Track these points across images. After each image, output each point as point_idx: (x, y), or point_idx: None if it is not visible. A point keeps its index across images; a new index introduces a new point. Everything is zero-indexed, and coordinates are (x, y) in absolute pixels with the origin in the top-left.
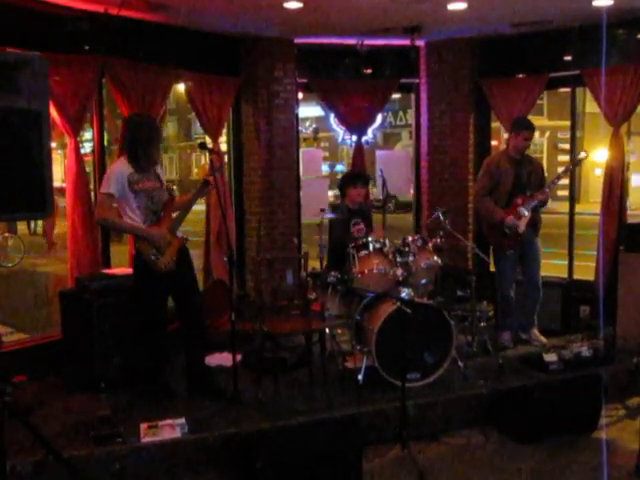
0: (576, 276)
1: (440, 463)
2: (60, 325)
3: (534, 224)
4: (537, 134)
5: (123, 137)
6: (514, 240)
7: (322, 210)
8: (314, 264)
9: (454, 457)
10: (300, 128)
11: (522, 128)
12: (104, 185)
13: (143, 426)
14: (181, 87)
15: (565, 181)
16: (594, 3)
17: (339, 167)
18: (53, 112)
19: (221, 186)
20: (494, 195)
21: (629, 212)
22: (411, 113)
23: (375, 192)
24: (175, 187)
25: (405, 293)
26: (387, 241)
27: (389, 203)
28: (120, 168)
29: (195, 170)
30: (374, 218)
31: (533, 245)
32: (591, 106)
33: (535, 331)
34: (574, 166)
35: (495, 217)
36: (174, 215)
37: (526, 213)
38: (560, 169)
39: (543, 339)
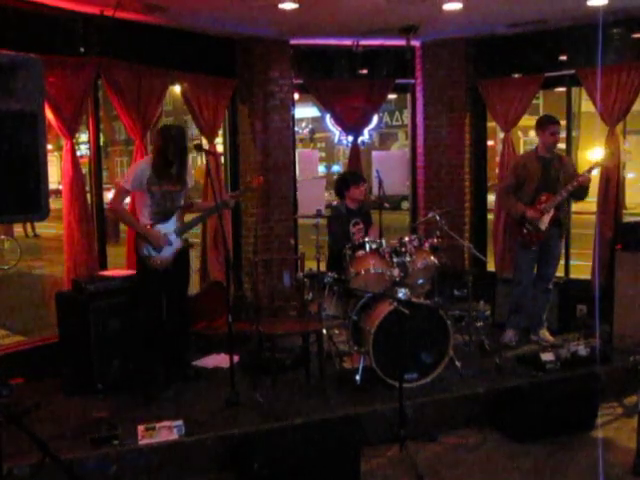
0: (573, 275)
1: (438, 463)
2: (57, 327)
3: (559, 224)
4: (533, 133)
5: (155, 146)
6: (536, 237)
7: (319, 211)
8: (311, 265)
9: (452, 457)
10: (296, 129)
11: (547, 123)
12: (125, 178)
13: (140, 428)
14: (177, 88)
15: None
16: (589, 3)
17: (335, 168)
18: (49, 114)
19: (217, 187)
20: (521, 193)
21: (625, 211)
22: (407, 113)
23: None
24: None
25: (402, 293)
26: (384, 241)
27: (386, 203)
28: (144, 167)
29: (192, 171)
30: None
31: (555, 246)
32: (587, 105)
33: (544, 332)
34: (600, 165)
35: (516, 212)
36: (186, 220)
37: (549, 210)
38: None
39: (551, 338)
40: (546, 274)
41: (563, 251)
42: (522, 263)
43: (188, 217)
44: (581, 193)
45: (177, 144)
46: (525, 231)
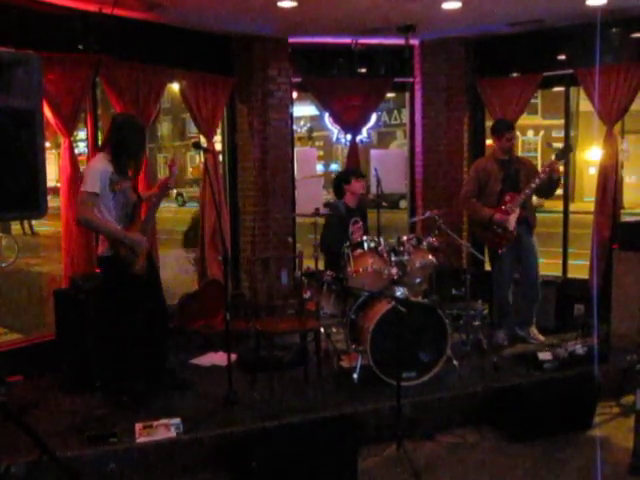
0: (570, 275)
1: (435, 462)
2: (54, 325)
3: (527, 222)
4: (531, 133)
5: (109, 137)
6: (506, 238)
7: (317, 210)
8: (309, 263)
9: (449, 456)
10: (294, 127)
11: (503, 130)
12: (88, 183)
13: (138, 426)
14: (175, 86)
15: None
16: (587, 2)
17: (334, 166)
18: (47, 111)
19: (215, 185)
20: (484, 197)
21: (623, 211)
22: (406, 112)
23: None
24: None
25: (400, 292)
26: (382, 240)
27: (384, 202)
28: (103, 166)
29: (190, 169)
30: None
31: (529, 244)
32: (585, 105)
33: (533, 329)
34: (559, 160)
35: (482, 216)
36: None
37: (514, 210)
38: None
39: (541, 337)
40: (529, 273)
41: (561, 250)
42: (499, 266)
43: None
44: (549, 189)
45: (138, 133)
46: (495, 235)
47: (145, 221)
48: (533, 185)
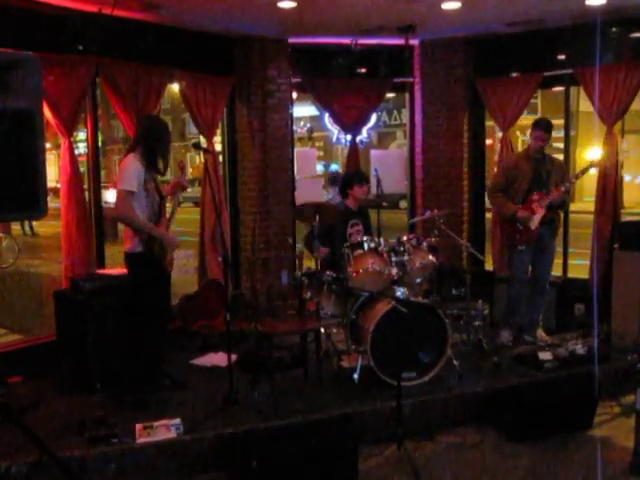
0: (571, 274)
1: (436, 462)
2: (55, 326)
3: (551, 223)
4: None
5: (140, 137)
6: (526, 236)
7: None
8: (309, 264)
9: (450, 456)
10: (294, 128)
11: (534, 128)
12: (125, 182)
13: (138, 427)
14: (175, 87)
15: None
16: (587, 2)
17: (334, 167)
18: (47, 112)
19: (215, 186)
20: (512, 192)
21: (623, 211)
22: (405, 112)
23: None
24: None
25: (400, 292)
26: (382, 240)
27: (384, 202)
28: (137, 164)
29: (190, 170)
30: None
31: (549, 246)
32: (585, 105)
33: (540, 332)
34: (594, 167)
35: (506, 211)
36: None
37: (540, 210)
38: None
39: (547, 338)
40: (542, 274)
41: (561, 250)
42: (516, 263)
43: None
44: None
45: (165, 132)
46: (516, 231)
47: (168, 220)
48: (563, 189)
